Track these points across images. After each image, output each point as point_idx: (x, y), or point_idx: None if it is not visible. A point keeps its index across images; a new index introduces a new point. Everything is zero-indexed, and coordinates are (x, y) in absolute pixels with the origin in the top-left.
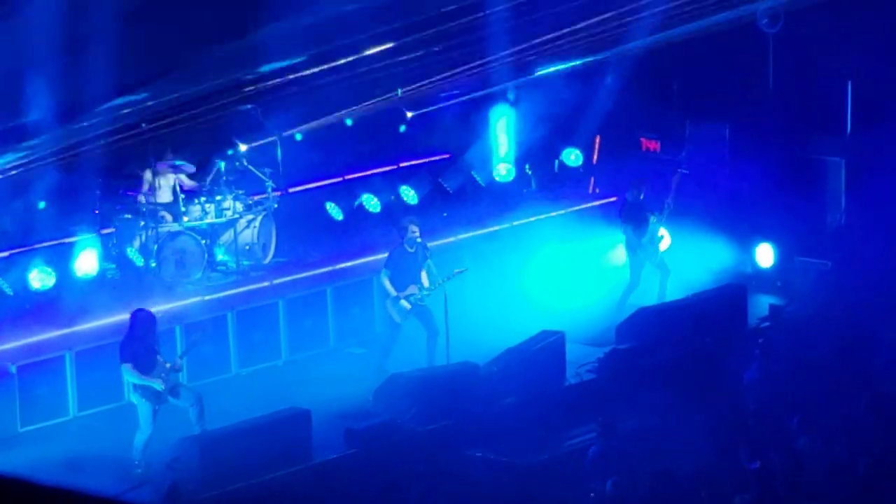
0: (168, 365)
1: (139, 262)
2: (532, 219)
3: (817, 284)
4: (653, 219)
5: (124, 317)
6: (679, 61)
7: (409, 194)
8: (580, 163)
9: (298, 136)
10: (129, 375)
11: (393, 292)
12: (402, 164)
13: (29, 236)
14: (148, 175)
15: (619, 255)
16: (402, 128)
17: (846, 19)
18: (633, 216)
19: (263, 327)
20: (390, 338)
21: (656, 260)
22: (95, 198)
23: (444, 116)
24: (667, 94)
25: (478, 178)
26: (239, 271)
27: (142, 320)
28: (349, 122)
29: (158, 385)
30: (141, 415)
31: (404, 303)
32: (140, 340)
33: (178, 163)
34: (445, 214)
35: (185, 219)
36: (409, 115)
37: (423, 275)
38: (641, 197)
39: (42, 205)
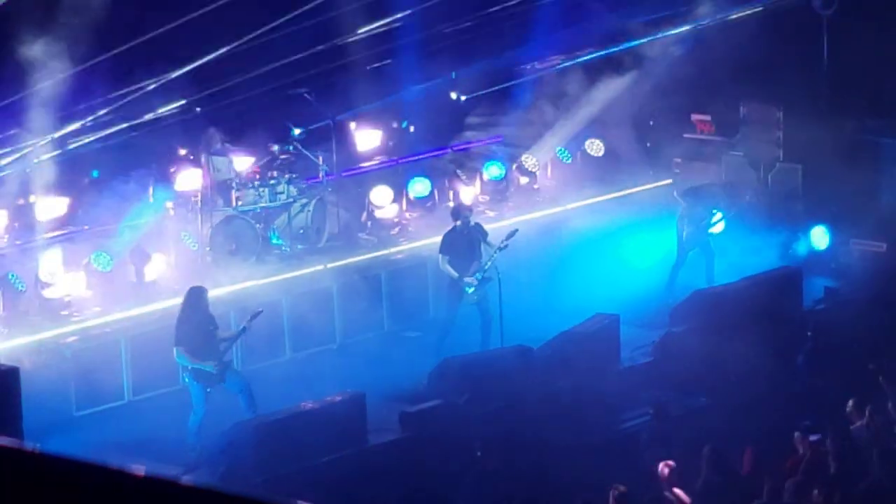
0: (227, 335)
1: (193, 246)
2: (587, 201)
3: (873, 267)
4: (716, 211)
5: (178, 301)
6: (734, 42)
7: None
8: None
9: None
10: (181, 358)
11: (455, 274)
12: (455, 148)
13: (85, 219)
14: (203, 159)
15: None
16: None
17: None
18: (701, 200)
19: (317, 311)
20: (447, 322)
21: (704, 242)
22: (149, 182)
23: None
24: (721, 75)
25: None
26: (293, 255)
27: (190, 298)
28: (405, 124)
29: (210, 367)
30: (193, 396)
31: (470, 279)
32: (190, 321)
33: (231, 147)
34: (500, 198)
35: (239, 203)
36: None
37: (488, 246)
38: (713, 187)
39: (96, 173)
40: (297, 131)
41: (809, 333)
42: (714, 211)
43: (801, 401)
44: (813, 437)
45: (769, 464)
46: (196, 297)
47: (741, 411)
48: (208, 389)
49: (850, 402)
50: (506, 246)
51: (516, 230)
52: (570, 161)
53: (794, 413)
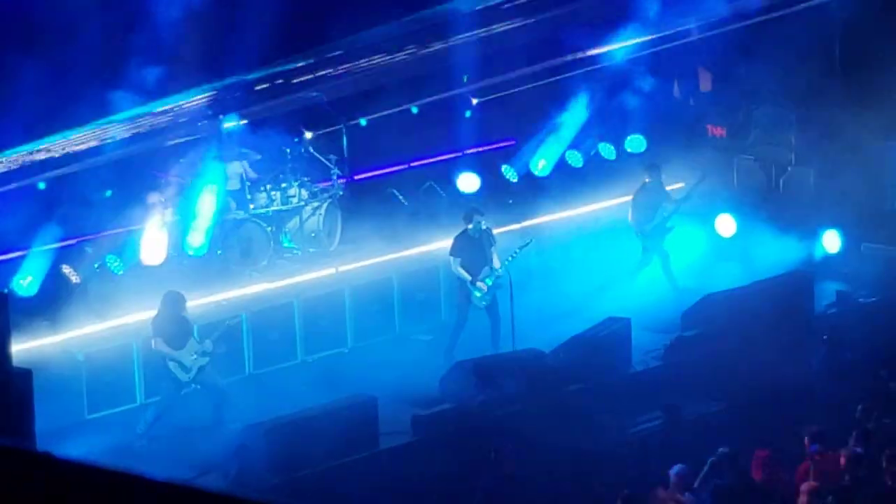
0: (200, 345)
1: (204, 249)
2: (597, 206)
3: (884, 270)
4: (664, 205)
5: (192, 304)
6: (746, 45)
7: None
8: (643, 149)
9: (363, 122)
10: (161, 348)
11: (467, 277)
12: (467, 152)
13: (96, 224)
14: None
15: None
16: (468, 113)
17: None
18: (642, 199)
19: (329, 314)
20: (458, 325)
21: (659, 246)
22: (159, 185)
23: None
24: (733, 79)
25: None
26: (305, 258)
27: (170, 300)
28: (414, 109)
29: (188, 361)
30: (165, 387)
31: (481, 285)
32: (169, 319)
33: (243, 150)
34: (511, 202)
35: (251, 206)
36: (475, 101)
37: (494, 257)
38: (648, 182)
39: (108, 193)
40: (308, 135)
41: (825, 338)
42: (663, 205)
43: (813, 406)
44: (818, 445)
45: (781, 469)
46: (175, 300)
47: (753, 416)
48: (181, 384)
49: (860, 407)
50: (518, 255)
51: (531, 240)
52: (580, 165)
53: (806, 418)
